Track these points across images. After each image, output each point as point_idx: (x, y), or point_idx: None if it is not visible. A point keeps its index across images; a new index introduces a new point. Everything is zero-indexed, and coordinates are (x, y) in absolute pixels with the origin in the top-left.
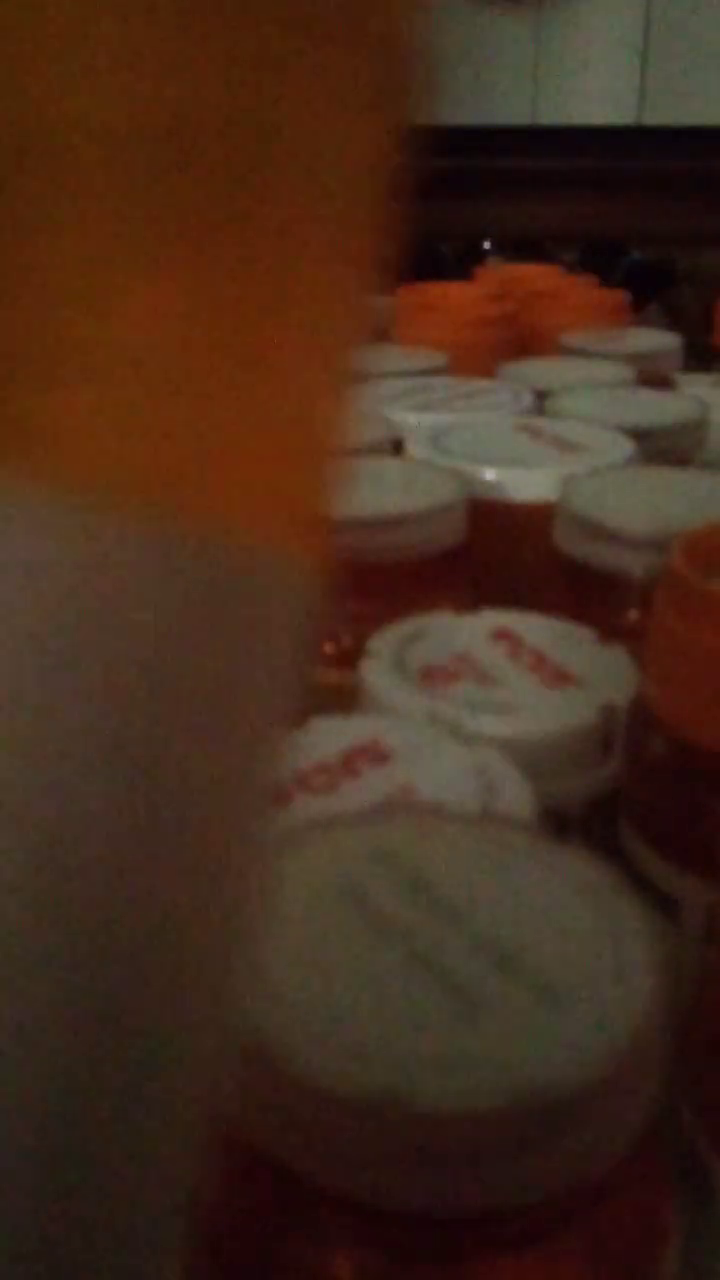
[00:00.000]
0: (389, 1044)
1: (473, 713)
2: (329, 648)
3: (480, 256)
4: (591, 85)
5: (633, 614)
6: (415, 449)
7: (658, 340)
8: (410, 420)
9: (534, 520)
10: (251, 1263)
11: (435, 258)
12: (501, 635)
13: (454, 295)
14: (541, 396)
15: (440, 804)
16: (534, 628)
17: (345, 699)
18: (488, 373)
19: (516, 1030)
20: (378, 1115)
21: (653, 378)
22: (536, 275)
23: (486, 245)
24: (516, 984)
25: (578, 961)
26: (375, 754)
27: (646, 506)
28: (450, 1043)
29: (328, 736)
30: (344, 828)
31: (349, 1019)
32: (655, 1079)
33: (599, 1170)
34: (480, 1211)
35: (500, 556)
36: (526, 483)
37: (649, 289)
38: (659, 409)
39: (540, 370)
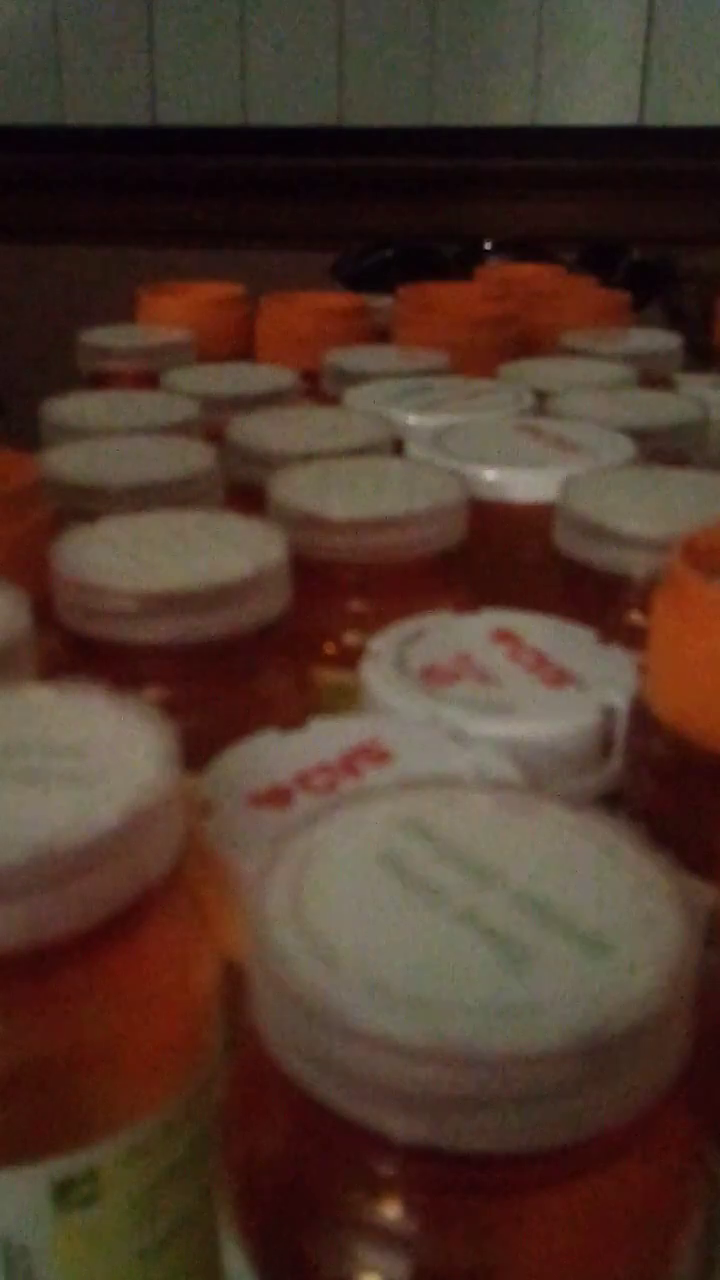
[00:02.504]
0: (442, 994)
1: (473, 713)
2: (330, 648)
3: (480, 256)
4: (592, 85)
5: (633, 615)
6: (416, 449)
7: (658, 341)
8: (411, 421)
9: (534, 521)
10: (306, 1210)
11: (436, 258)
12: (502, 636)
13: (454, 295)
14: (542, 397)
15: (462, 776)
16: (534, 628)
17: (347, 699)
18: (488, 373)
19: (560, 977)
20: (435, 1060)
21: (653, 378)
22: (537, 275)
23: (487, 245)
24: (556, 935)
25: (610, 912)
26: (375, 754)
27: (647, 507)
28: (499, 991)
29: (328, 736)
30: (374, 799)
31: (402, 974)
32: (688, 1023)
33: (642, 1108)
34: (531, 1150)
35: (500, 557)
36: (527, 483)
37: (649, 289)
38: (659, 409)
39: (541, 371)
